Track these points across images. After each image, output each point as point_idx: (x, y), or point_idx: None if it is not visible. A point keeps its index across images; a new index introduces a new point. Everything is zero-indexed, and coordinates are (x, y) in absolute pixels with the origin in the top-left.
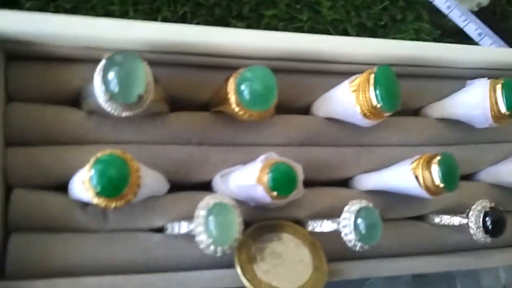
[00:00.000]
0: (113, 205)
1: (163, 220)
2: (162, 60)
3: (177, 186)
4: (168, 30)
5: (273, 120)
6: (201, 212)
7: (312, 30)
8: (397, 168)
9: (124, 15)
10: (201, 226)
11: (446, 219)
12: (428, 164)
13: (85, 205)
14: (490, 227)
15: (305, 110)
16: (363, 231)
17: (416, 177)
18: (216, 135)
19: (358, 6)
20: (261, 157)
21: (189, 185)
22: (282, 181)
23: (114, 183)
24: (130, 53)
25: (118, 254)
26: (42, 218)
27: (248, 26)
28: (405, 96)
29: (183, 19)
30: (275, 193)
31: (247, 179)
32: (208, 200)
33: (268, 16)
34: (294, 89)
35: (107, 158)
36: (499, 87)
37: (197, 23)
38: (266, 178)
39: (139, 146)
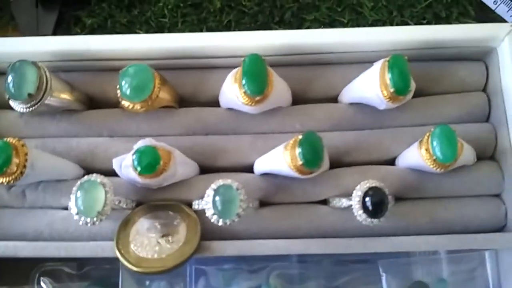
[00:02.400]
0: (5, 179)
1: (67, 200)
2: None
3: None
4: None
5: (176, 112)
6: (73, 189)
7: None
8: (274, 150)
9: (174, 26)
10: (73, 203)
11: (337, 202)
12: (293, 144)
13: (10, 187)
14: (370, 207)
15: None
16: (219, 207)
17: (285, 158)
18: (123, 127)
19: (402, 5)
20: (139, 142)
21: (97, 172)
22: (145, 162)
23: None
24: (25, 61)
25: (29, 225)
26: None
27: None
28: (323, 84)
29: (227, 28)
30: (137, 172)
31: (126, 162)
32: (81, 180)
33: (309, 20)
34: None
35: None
36: (386, 64)
37: (241, 31)
38: (132, 158)
39: (58, 139)
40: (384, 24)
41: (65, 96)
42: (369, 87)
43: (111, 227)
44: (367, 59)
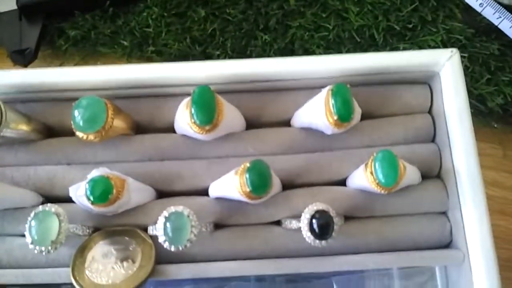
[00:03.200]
0: None
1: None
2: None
3: (48, 200)
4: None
5: (132, 139)
6: (28, 219)
7: (338, 38)
8: (225, 176)
9: (159, 35)
10: (27, 232)
11: (288, 224)
12: (242, 171)
13: None
14: (316, 230)
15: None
16: (170, 234)
17: (235, 184)
18: (80, 155)
19: (387, 9)
20: (92, 172)
21: (55, 199)
22: (98, 192)
23: None
24: None
25: None
26: None
27: (275, 39)
28: (275, 109)
29: (212, 37)
30: (90, 202)
31: (79, 191)
32: (35, 210)
33: (295, 27)
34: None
35: None
36: (330, 93)
37: (225, 40)
38: (85, 189)
39: (16, 168)
40: (369, 29)
41: (22, 127)
42: (316, 114)
43: (68, 253)
44: (317, 85)
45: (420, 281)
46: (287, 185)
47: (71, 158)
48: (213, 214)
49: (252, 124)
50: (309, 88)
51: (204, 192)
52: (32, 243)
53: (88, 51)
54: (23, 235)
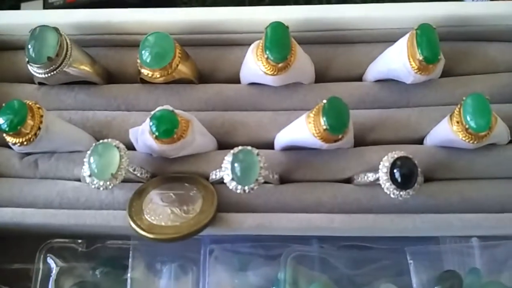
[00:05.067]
0: (19, 140)
1: (80, 171)
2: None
3: None
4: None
5: (196, 87)
6: (87, 153)
7: None
8: (296, 120)
9: None
10: (86, 166)
11: (362, 178)
12: (317, 111)
13: (22, 156)
14: (399, 178)
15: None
16: (238, 173)
17: (308, 125)
18: (141, 102)
19: None
20: (157, 109)
21: None
22: (163, 126)
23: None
24: (46, 26)
25: (40, 194)
26: None
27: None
28: (346, 62)
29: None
30: (154, 137)
31: (143, 126)
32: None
33: None
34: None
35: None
36: (415, 33)
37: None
38: (150, 123)
39: (75, 111)
40: None
41: (85, 67)
42: (396, 58)
43: (123, 197)
44: (391, 37)
45: (504, 256)
46: (359, 142)
47: (132, 104)
48: (279, 165)
49: (320, 77)
50: (383, 40)
51: (268, 146)
52: (90, 176)
53: None
54: (77, 179)
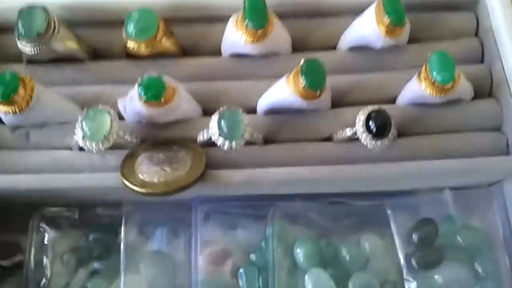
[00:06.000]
0: (11, 108)
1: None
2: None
3: None
4: None
5: (180, 60)
6: (79, 118)
7: None
8: (277, 83)
9: None
10: (79, 130)
11: (340, 134)
12: (296, 71)
13: (14, 128)
14: (374, 129)
15: None
16: (225, 129)
17: (288, 86)
18: (127, 76)
19: None
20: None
21: None
22: (152, 91)
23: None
24: (35, 5)
25: (33, 163)
26: None
27: None
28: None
29: None
30: (143, 100)
31: (132, 92)
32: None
33: None
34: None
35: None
36: (381, 1)
37: None
38: (138, 88)
39: (62, 86)
40: None
41: (72, 44)
42: (366, 25)
43: (115, 162)
44: (360, 9)
45: (476, 203)
46: (336, 105)
47: (118, 79)
48: (262, 128)
49: (296, 49)
50: (355, 12)
51: (252, 112)
52: (83, 138)
53: None
54: (69, 149)
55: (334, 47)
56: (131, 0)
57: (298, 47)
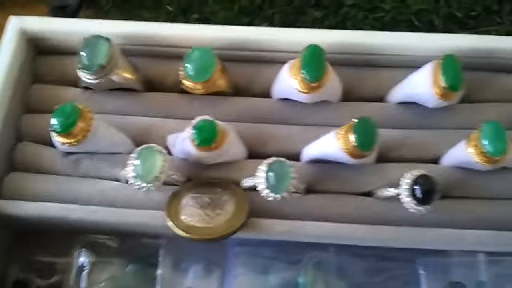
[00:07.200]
0: (69, 141)
1: (121, 170)
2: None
3: None
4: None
5: (230, 99)
6: (132, 156)
7: (394, 21)
8: (326, 135)
9: (204, 3)
10: (131, 168)
11: (382, 192)
12: (347, 128)
13: (65, 154)
14: (420, 195)
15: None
16: (272, 181)
17: (338, 141)
18: (178, 110)
19: None
20: (197, 118)
21: None
22: (204, 135)
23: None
24: (99, 36)
25: (81, 192)
26: (33, 163)
27: (325, 16)
28: (371, 84)
29: (259, 8)
30: (195, 144)
31: (184, 134)
32: (140, 147)
33: (348, 5)
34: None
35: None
36: (440, 62)
37: (274, 13)
38: (191, 131)
39: (115, 115)
40: (428, 13)
41: (128, 75)
42: (421, 84)
43: (159, 199)
44: (417, 63)
45: (510, 271)
46: (380, 158)
47: (169, 112)
48: (305, 177)
49: (346, 97)
50: (408, 66)
51: (295, 158)
52: (135, 177)
53: (131, 14)
54: (116, 180)
55: (382, 98)
56: (192, 35)
57: (348, 95)
